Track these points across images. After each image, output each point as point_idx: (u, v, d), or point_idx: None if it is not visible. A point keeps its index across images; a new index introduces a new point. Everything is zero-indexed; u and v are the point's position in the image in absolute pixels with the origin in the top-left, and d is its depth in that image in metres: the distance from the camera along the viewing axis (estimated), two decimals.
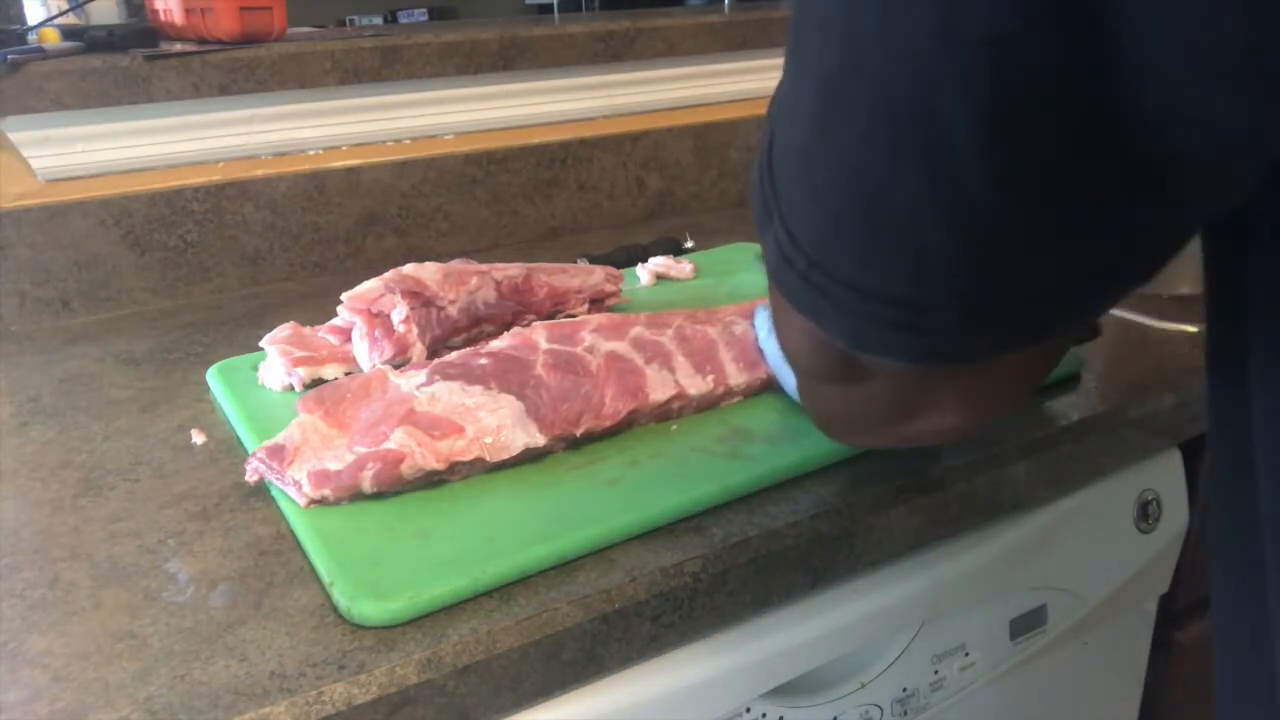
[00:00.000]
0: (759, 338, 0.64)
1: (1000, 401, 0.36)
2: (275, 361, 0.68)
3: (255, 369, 0.69)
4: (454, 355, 0.63)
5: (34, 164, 0.86)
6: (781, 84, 0.29)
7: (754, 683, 0.54)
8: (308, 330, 0.71)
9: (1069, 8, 0.20)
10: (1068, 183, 0.23)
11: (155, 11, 0.99)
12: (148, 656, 0.44)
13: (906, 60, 0.22)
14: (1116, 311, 0.77)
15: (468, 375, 0.59)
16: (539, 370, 0.60)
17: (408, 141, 1.01)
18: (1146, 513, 0.69)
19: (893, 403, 0.35)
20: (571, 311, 0.76)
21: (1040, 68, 0.21)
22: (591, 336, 0.63)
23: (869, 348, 0.29)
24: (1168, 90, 0.20)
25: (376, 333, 0.67)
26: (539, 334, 0.63)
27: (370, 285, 0.68)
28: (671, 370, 0.62)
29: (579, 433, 0.57)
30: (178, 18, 0.93)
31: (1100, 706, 0.76)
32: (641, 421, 0.60)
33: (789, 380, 0.60)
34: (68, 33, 0.90)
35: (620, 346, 0.63)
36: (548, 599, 0.47)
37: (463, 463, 0.54)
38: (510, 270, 0.73)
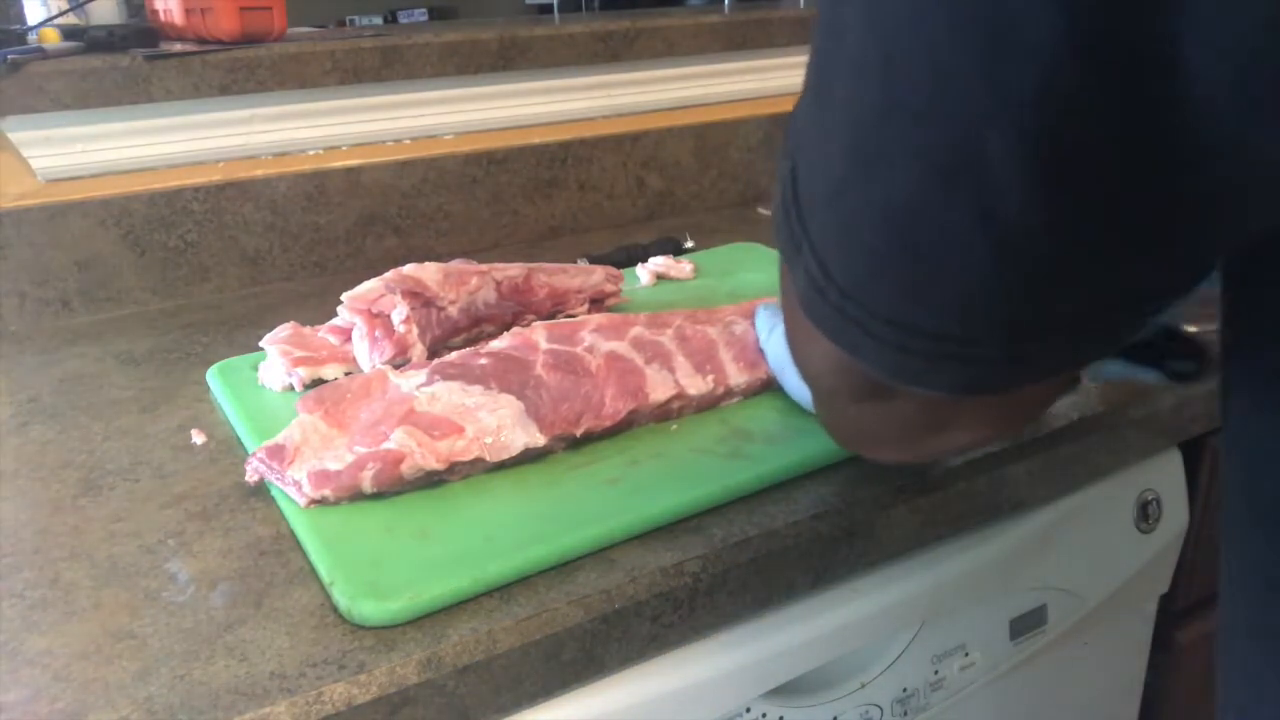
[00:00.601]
0: (759, 338, 0.64)
1: (1025, 415, 0.36)
2: (275, 361, 0.68)
3: (255, 369, 0.69)
4: (454, 355, 0.63)
5: (34, 164, 0.86)
6: (801, 111, 0.29)
7: (754, 683, 0.54)
8: (308, 330, 0.71)
9: (1121, 45, 0.20)
10: (1115, 215, 0.23)
11: (155, 11, 0.99)
12: (148, 656, 0.44)
13: (952, 100, 0.22)
14: None
15: (468, 375, 0.59)
16: (539, 370, 0.60)
17: (408, 141, 1.01)
18: (1146, 513, 0.69)
19: (919, 421, 0.35)
20: (571, 311, 0.76)
21: (1091, 104, 0.21)
22: (591, 336, 0.63)
23: (908, 379, 0.29)
24: (1219, 124, 0.20)
25: (377, 333, 0.67)
26: (539, 334, 0.63)
27: (370, 285, 0.68)
28: (671, 370, 0.62)
29: (579, 433, 0.57)
30: (178, 18, 0.93)
31: (1100, 706, 0.76)
32: (641, 421, 0.60)
33: (789, 381, 0.60)
34: (68, 33, 0.90)
35: (620, 346, 0.63)
36: (548, 599, 0.47)
37: (463, 463, 0.54)
38: (510, 270, 0.73)
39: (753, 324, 0.66)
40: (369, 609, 0.45)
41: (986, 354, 0.27)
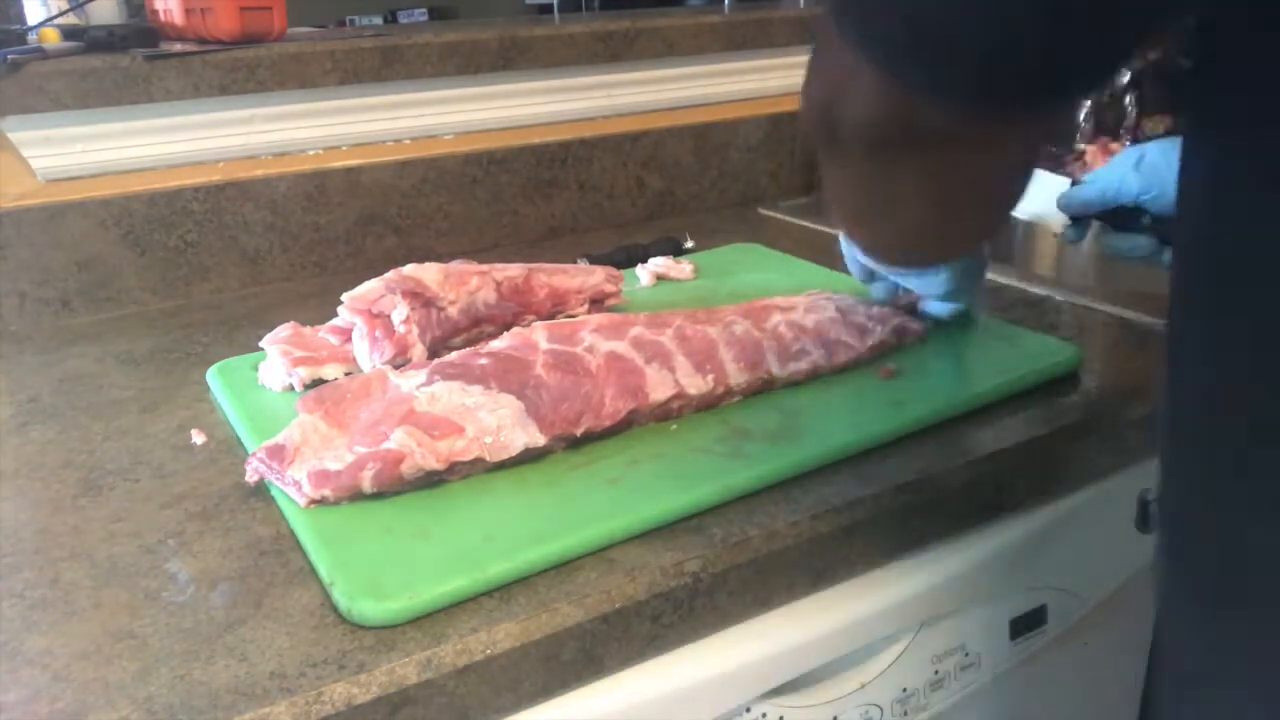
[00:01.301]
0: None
1: (966, 203, 0.41)
2: (275, 361, 0.68)
3: (255, 369, 0.69)
4: (454, 355, 0.63)
5: (34, 164, 0.86)
6: None
7: (754, 683, 0.54)
8: (308, 330, 0.71)
9: None
10: None
11: (155, 11, 0.99)
12: (148, 656, 0.44)
13: None
14: (1116, 311, 0.78)
15: (468, 375, 0.59)
16: (539, 370, 0.60)
17: (408, 141, 1.01)
18: (1146, 513, 0.68)
19: (872, 186, 0.41)
20: (571, 312, 0.76)
21: None
22: (591, 336, 0.63)
23: (898, 72, 0.33)
24: None
25: (377, 333, 0.67)
26: (539, 334, 0.63)
27: (371, 285, 0.68)
28: (671, 370, 0.61)
29: (579, 432, 0.57)
30: (178, 18, 0.93)
31: (1100, 706, 0.76)
32: (641, 421, 0.60)
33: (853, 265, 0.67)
34: (68, 33, 0.90)
35: (620, 346, 0.63)
36: (548, 599, 0.47)
37: (463, 463, 0.54)
38: (510, 270, 0.73)
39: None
40: (369, 609, 0.45)
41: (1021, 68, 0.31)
